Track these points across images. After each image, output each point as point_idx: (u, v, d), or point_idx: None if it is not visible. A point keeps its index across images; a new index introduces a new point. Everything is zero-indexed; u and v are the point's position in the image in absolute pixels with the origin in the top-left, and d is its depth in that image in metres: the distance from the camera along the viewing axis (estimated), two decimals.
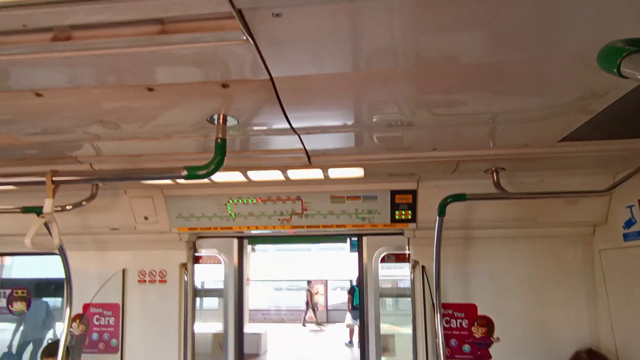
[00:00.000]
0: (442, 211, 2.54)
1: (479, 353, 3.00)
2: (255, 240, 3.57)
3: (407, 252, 3.28)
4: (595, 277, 2.91)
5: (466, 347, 3.03)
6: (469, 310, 3.04)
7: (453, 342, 3.04)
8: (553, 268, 2.97)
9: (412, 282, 3.09)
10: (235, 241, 3.48)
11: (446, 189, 2.68)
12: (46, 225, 1.91)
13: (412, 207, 2.94)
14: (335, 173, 2.58)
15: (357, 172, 2.56)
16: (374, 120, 1.77)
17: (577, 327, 2.90)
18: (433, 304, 2.90)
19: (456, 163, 2.39)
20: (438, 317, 2.79)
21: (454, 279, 3.05)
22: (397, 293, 4.17)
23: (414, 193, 2.92)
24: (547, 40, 1.14)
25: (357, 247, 3.40)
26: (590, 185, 2.64)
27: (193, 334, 3.33)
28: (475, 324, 3.02)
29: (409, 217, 2.96)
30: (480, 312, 3.02)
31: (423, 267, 3.06)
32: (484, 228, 2.99)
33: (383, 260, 3.33)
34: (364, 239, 3.35)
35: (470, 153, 2.20)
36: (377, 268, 3.32)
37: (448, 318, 3.05)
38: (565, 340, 2.89)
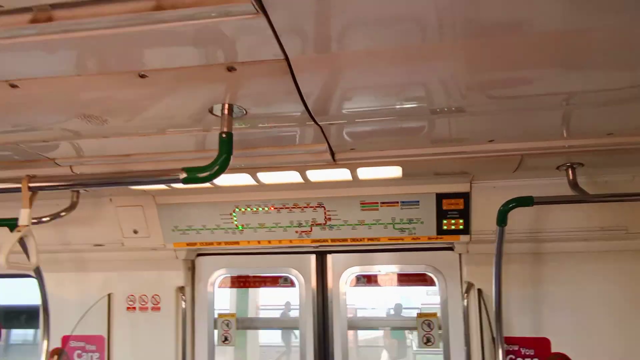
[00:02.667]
0: (502, 219, 2.52)
1: None
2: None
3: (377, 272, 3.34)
4: None
5: None
6: (539, 345, 2.99)
7: None
8: None
9: (466, 309, 3.07)
10: (313, 257, 3.45)
11: (507, 191, 2.65)
12: (21, 241, 2.01)
13: (464, 214, 2.93)
14: (366, 173, 2.60)
15: (394, 171, 2.57)
16: (414, 106, 1.78)
17: None
18: (493, 338, 2.87)
19: (520, 158, 2.37)
20: (500, 354, 2.76)
21: (520, 306, 3.01)
22: (370, 325, 4.28)
23: (466, 197, 2.91)
24: None
25: (319, 267, 3.42)
26: None
27: None
28: None
29: (460, 227, 2.95)
30: (554, 349, 2.98)
31: (479, 290, 3.04)
32: (558, 241, 2.94)
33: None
34: (329, 256, 3.38)
35: (538, 145, 2.19)
36: (344, 293, 3.35)
37: (513, 356, 3.01)
38: None
